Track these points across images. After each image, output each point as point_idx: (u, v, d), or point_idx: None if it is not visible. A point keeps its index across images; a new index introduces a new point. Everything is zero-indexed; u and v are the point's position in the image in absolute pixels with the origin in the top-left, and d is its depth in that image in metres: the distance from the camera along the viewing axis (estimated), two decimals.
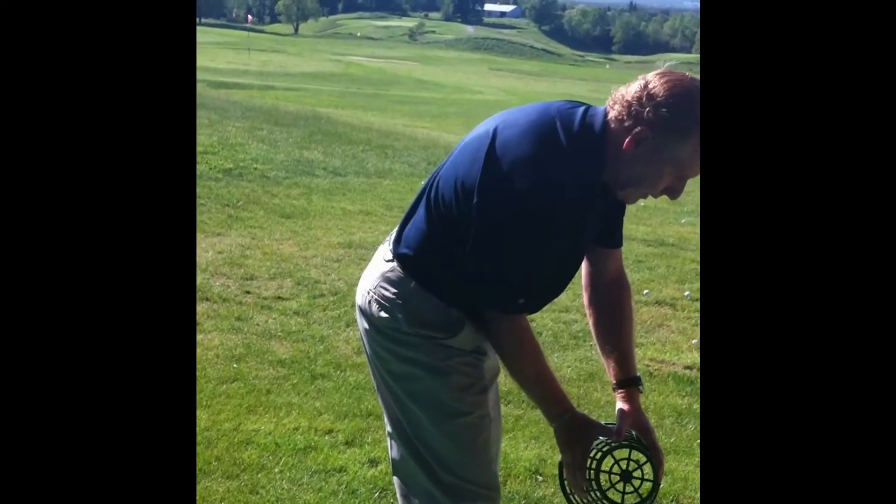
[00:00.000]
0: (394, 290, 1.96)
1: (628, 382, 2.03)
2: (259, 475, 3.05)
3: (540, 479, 3.15)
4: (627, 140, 1.76)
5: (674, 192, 1.82)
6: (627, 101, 1.76)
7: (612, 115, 1.79)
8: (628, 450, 1.93)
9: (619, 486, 1.91)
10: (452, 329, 1.93)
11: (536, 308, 2.02)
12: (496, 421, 2.06)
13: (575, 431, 1.91)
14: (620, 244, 2.09)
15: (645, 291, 5.78)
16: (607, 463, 1.91)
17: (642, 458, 1.91)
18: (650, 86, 1.75)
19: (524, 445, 3.40)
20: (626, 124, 1.76)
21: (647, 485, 1.91)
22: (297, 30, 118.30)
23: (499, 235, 1.78)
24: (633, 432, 1.97)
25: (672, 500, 3.13)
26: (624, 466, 1.91)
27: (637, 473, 1.91)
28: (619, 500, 1.90)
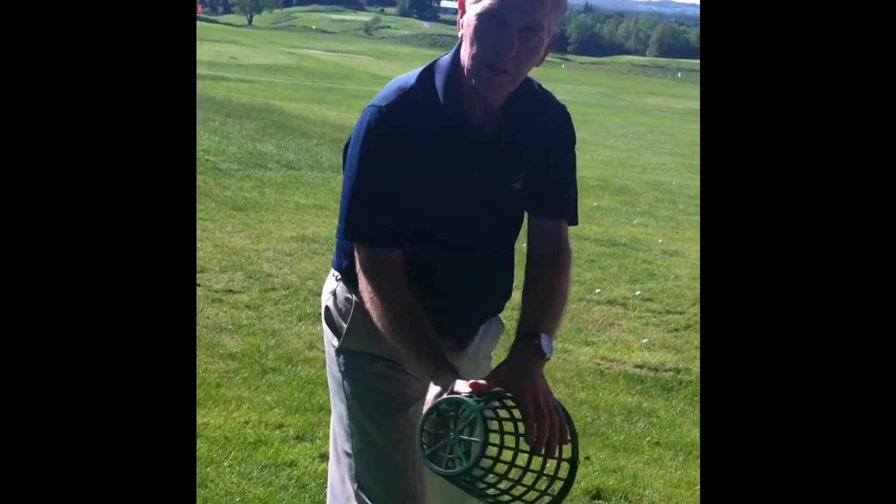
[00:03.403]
0: (327, 288, 1.97)
1: (521, 336, 1.76)
2: (208, 469, 3.01)
3: None
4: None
5: (507, 44, 1.65)
6: None
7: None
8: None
9: (445, 451, 1.58)
10: (347, 316, 1.87)
11: (402, 243, 1.77)
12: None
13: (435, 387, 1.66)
14: (555, 215, 1.92)
15: (597, 291, 5.83)
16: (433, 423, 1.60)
17: (470, 415, 1.56)
18: None
19: None
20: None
21: (482, 448, 1.54)
22: (250, 21, 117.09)
23: (346, 165, 1.78)
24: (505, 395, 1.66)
25: (621, 498, 3.16)
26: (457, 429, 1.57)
27: (465, 434, 1.55)
28: (441, 466, 1.58)
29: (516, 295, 1.96)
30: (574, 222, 1.96)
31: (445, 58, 1.81)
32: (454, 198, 1.80)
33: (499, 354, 1.92)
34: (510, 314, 2.02)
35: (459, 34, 1.74)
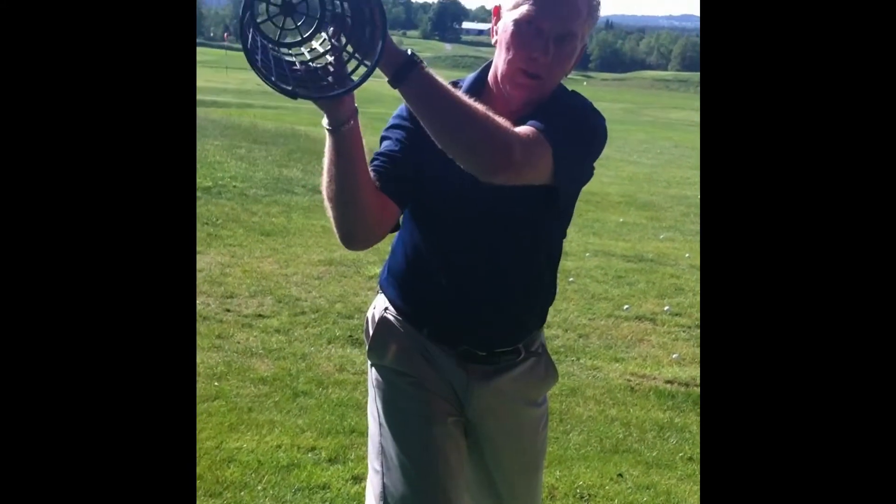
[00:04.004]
0: (373, 301, 2.02)
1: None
2: (242, 493, 3.03)
3: None
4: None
5: (543, 51, 1.67)
6: None
7: None
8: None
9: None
10: (373, 332, 1.91)
11: (385, 179, 1.78)
12: (450, 471, 1.83)
13: None
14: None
15: (625, 307, 5.81)
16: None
17: None
18: None
19: None
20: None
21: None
22: None
23: None
24: None
25: None
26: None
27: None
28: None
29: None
30: (550, 137, 1.65)
31: (474, 73, 1.84)
32: (453, 191, 1.75)
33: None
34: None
35: (493, 40, 1.76)
